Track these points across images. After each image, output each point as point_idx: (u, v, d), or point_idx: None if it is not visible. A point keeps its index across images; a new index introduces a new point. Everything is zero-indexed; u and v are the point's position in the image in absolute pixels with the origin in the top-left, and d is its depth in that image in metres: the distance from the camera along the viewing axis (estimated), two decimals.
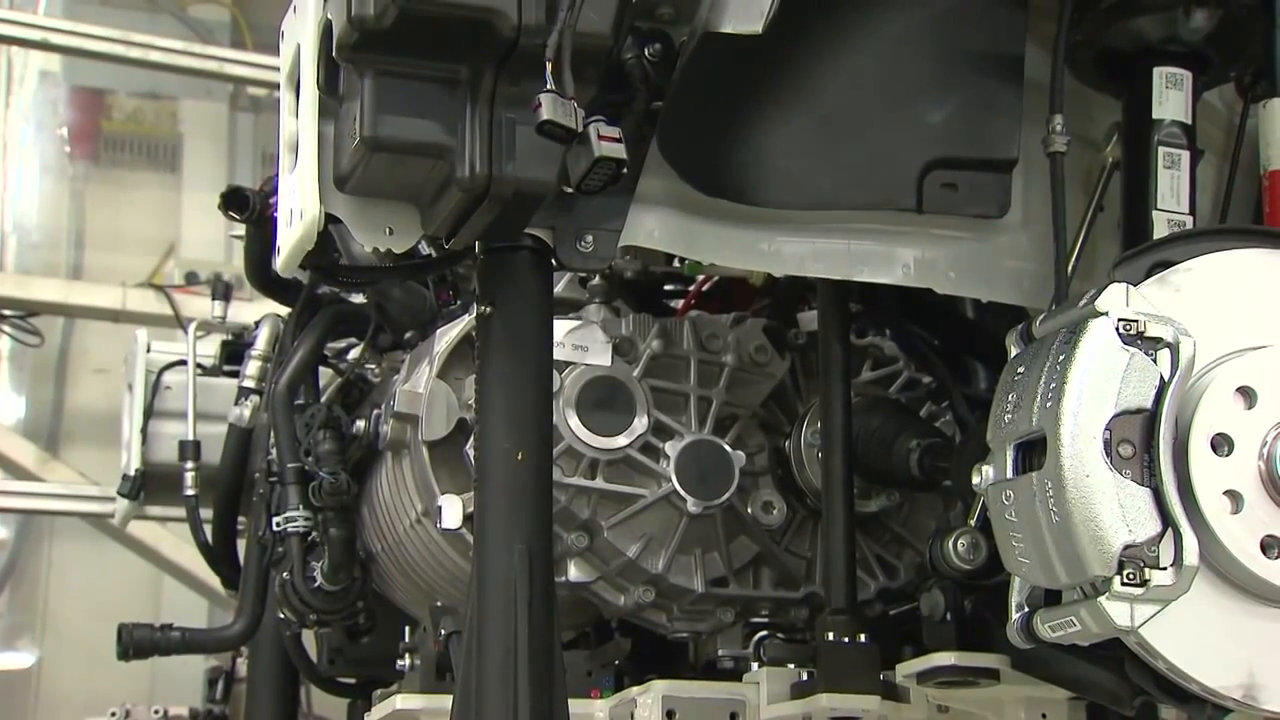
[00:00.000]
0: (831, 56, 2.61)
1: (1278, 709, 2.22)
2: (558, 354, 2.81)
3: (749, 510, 2.92)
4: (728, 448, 2.92)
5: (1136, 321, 2.20)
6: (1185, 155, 2.56)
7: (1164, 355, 2.20)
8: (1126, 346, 2.19)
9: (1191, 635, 2.18)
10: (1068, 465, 2.17)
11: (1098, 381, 2.18)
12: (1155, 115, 2.57)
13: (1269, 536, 2.19)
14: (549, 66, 2.23)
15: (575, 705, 2.68)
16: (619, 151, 2.24)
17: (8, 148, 9.23)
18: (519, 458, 2.43)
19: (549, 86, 2.22)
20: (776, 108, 2.58)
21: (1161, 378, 2.19)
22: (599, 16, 2.26)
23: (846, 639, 2.62)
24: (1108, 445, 2.17)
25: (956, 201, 2.64)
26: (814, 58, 2.58)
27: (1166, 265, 2.29)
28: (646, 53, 2.37)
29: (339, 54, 2.34)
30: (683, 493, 2.88)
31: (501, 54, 2.27)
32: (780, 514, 2.92)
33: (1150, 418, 2.18)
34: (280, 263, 2.59)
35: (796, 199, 2.59)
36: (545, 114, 2.19)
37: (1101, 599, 2.15)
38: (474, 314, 2.70)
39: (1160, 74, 2.58)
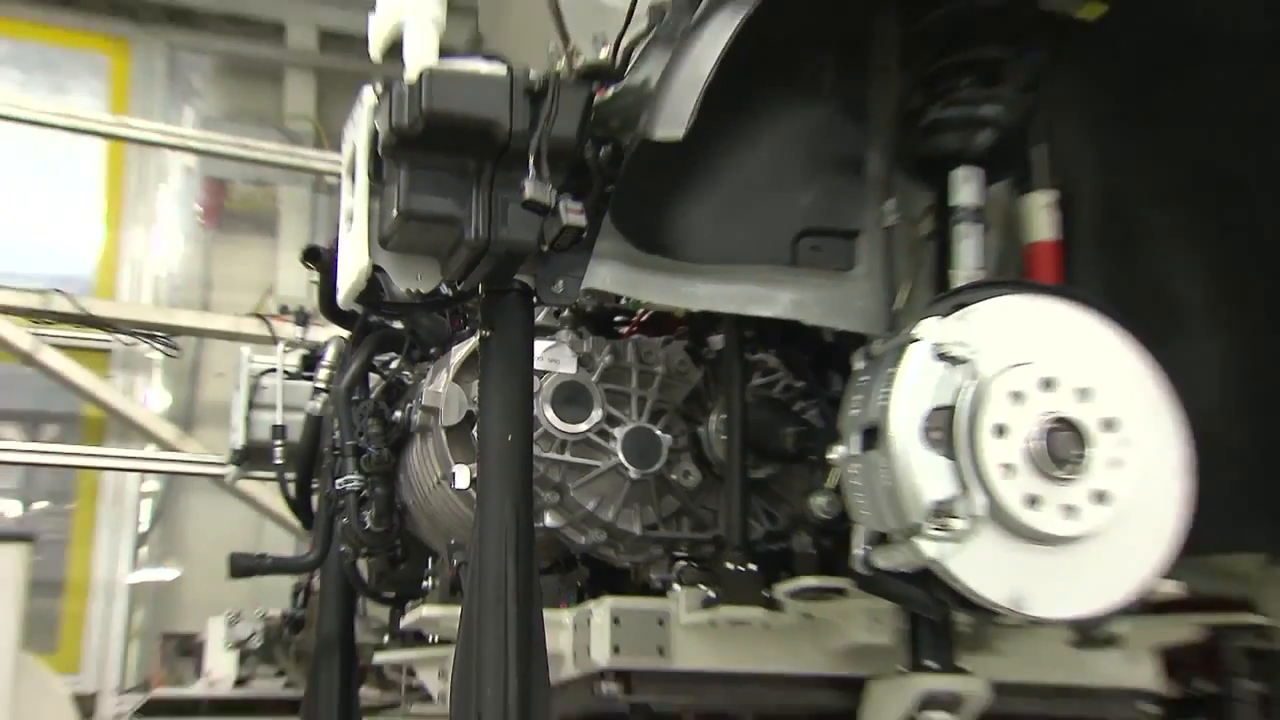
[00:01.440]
0: (734, 155, 2.62)
1: (1035, 614, 2.24)
2: (537, 365, 2.85)
3: (673, 477, 2.93)
4: (659, 432, 2.94)
5: (942, 345, 2.22)
6: (977, 230, 2.58)
7: (962, 369, 2.22)
8: (936, 362, 2.22)
9: (977, 564, 2.19)
10: (895, 446, 2.20)
11: (916, 387, 2.21)
12: (955, 202, 2.59)
13: (1031, 495, 2.21)
14: (531, 160, 2.25)
15: (548, 614, 2.67)
16: (580, 221, 2.28)
17: (158, 219, 9.18)
18: (509, 439, 2.44)
19: (531, 175, 2.25)
20: (695, 190, 2.59)
21: (959, 384, 2.22)
22: (567, 126, 2.29)
23: (740, 568, 2.63)
24: (923, 431, 2.20)
25: (819, 259, 2.65)
26: (721, 156, 2.60)
27: (963, 306, 2.31)
28: (601, 152, 2.39)
29: (383, 151, 2.36)
30: (626, 464, 2.89)
31: (498, 151, 2.29)
32: (695, 480, 2.92)
33: (952, 412, 2.21)
34: (341, 299, 2.61)
35: (708, 255, 2.59)
36: (528, 194, 2.23)
37: (917, 539, 2.17)
38: (478, 336, 2.71)
39: (958, 173, 2.61)
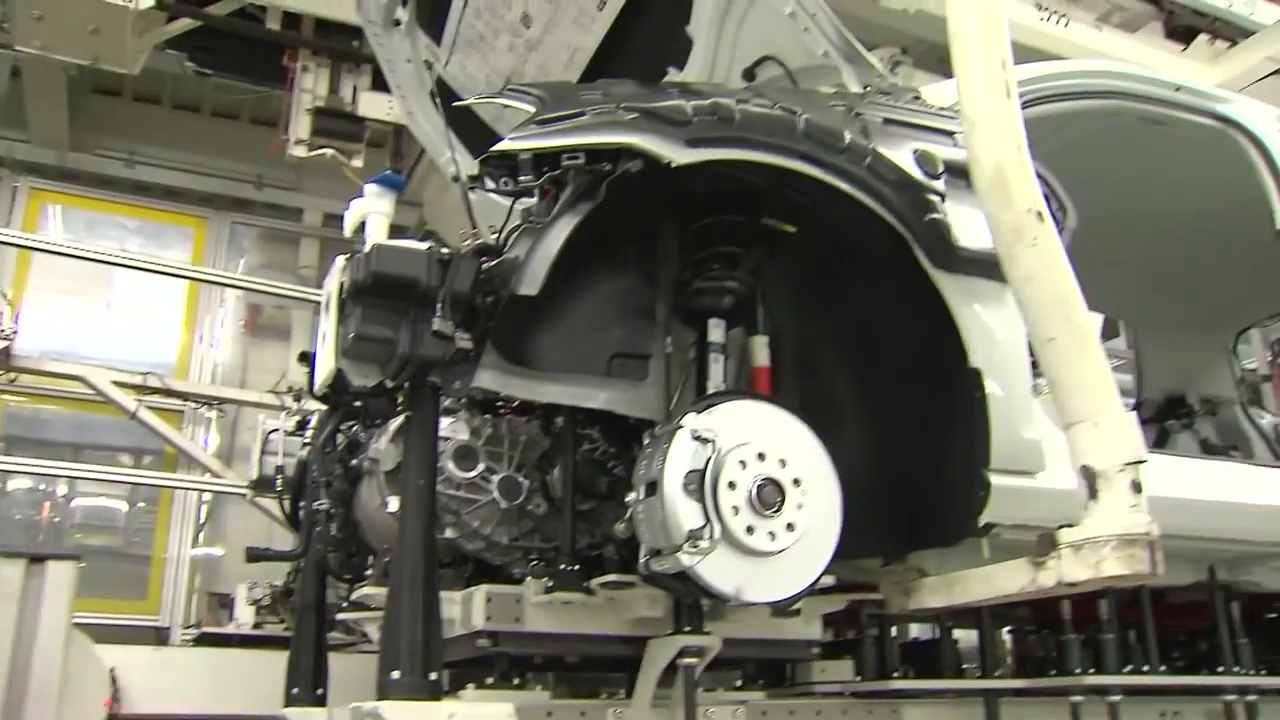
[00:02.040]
0: (572, 304, 2.60)
1: (749, 600, 2.23)
2: (443, 433, 2.76)
3: (530, 507, 2.84)
4: (520, 478, 2.85)
5: (697, 430, 2.21)
6: (721, 358, 2.58)
7: (708, 445, 2.21)
8: (691, 441, 2.21)
9: (715, 569, 2.18)
10: (665, 495, 2.18)
11: (679, 456, 2.20)
12: (709, 340, 2.58)
13: (749, 526, 2.20)
14: (439, 306, 2.21)
15: (446, 594, 2.63)
16: (469, 346, 2.24)
17: (217, 328, 9.02)
18: (421, 483, 2.38)
19: (438, 315, 2.20)
20: (547, 326, 2.56)
21: (707, 456, 2.21)
22: (463, 284, 2.25)
23: (569, 567, 2.59)
24: (683, 486, 2.18)
25: (625, 371, 2.64)
26: (560, 307, 2.58)
27: (711, 405, 2.31)
28: (486, 299, 2.35)
29: (346, 296, 2.30)
30: (499, 498, 2.80)
31: (419, 299, 2.24)
32: (543, 509, 2.85)
33: (702, 473, 2.20)
34: (316, 388, 2.53)
35: (554, 367, 2.57)
36: (435, 328, 2.18)
37: (678, 554, 2.15)
38: (404, 416, 2.63)
39: (711, 322, 2.61)
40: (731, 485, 2.21)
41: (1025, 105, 3.15)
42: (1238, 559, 3.20)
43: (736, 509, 2.20)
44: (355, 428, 3.46)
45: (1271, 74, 6.02)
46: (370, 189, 2.47)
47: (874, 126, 2.52)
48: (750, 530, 2.20)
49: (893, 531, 2.67)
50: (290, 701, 3.58)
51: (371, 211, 2.47)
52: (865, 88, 2.79)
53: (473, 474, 2.85)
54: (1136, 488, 2.12)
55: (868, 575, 2.83)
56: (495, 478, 2.86)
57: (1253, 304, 4.91)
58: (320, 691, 3.64)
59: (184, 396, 8.03)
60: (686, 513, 2.16)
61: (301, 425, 4.59)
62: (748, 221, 2.62)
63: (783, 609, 2.43)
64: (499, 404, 2.99)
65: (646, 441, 2.35)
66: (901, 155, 2.48)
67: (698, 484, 2.18)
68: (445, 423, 2.85)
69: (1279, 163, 3.65)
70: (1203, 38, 6.44)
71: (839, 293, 2.76)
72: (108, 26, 5.77)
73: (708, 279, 2.59)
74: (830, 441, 2.52)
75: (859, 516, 2.63)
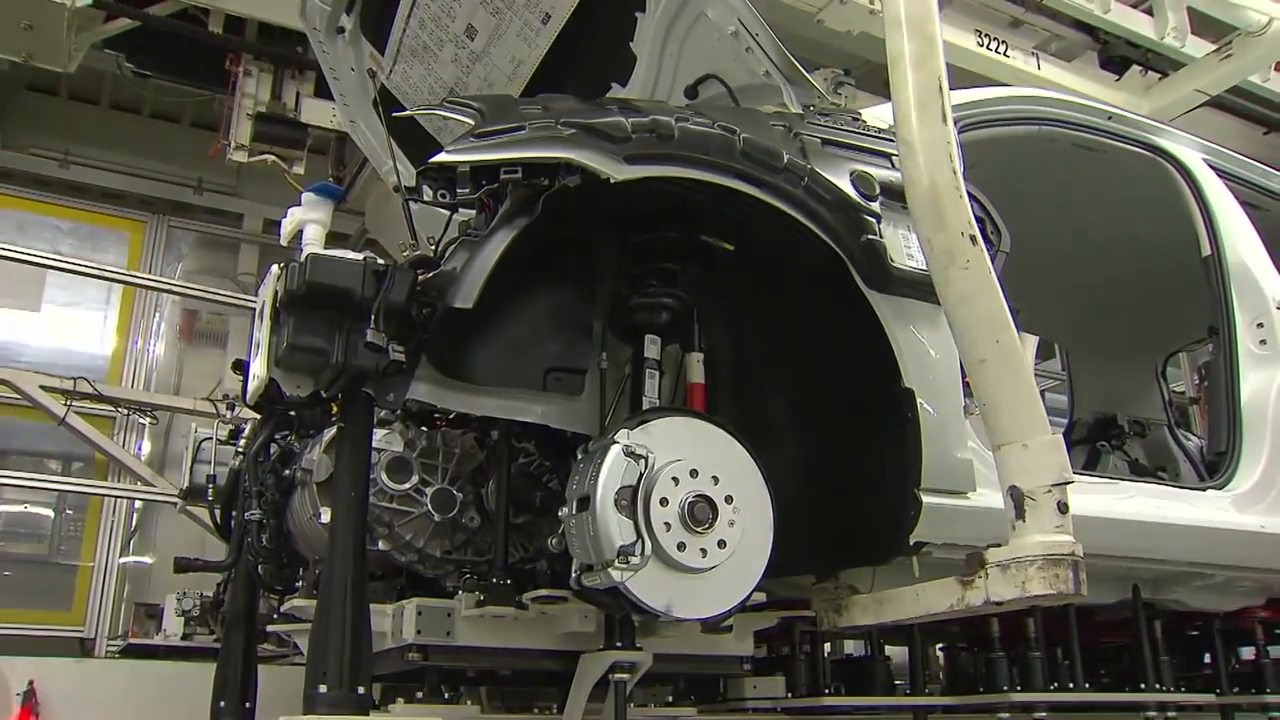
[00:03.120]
0: (509, 319, 2.59)
1: (679, 617, 2.22)
2: (377, 445, 2.71)
3: (464, 520, 2.80)
4: (454, 491, 2.81)
5: (630, 446, 2.21)
6: (656, 375, 2.58)
7: (643, 461, 2.21)
8: (625, 457, 2.20)
9: (645, 585, 2.17)
10: (598, 510, 2.17)
11: (612, 472, 2.19)
12: (645, 355, 2.58)
13: (680, 543, 2.20)
14: (372, 317, 2.18)
15: (377, 608, 2.59)
16: (401, 358, 2.21)
17: (152, 333, 8.84)
18: (353, 494, 2.34)
19: (371, 327, 2.18)
20: (483, 340, 2.55)
21: (640, 472, 2.20)
22: (399, 295, 2.22)
23: (501, 581, 2.57)
24: (614, 502, 2.18)
25: (560, 386, 2.63)
26: (497, 320, 2.56)
27: (645, 421, 2.30)
28: (422, 311, 2.32)
29: (280, 305, 2.26)
30: (432, 511, 2.76)
31: (353, 310, 2.21)
32: (477, 523, 2.81)
33: (634, 489, 2.19)
34: (249, 398, 2.49)
35: (490, 381, 2.56)
36: (368, 339, 2.15)
37: (609, 569, 2.14)
38: (337, 425, 2.59)
39: (647, 338, 2.60)
40: (664, 502, 2.20)
41: (962, 130, 3.23)
42: (1160, 578, 3.27)
43: (668, 525, 2.19)
44: (289, 437, 3.41)
45: (1200, 106, 6.19)
46: (308, 197, 2.45)
47: (812, 147, 2.54)
48: (681, 547, 2.20)
49: (825, 549, 2.69)
50: (216, 715, 3.50)
51: (308, 220, 2.45)
52: (807, 108, 2.81)
53: (406, 486, 2.80)
54: (1062, 508, 2.16)
55: (801, 592, 2.84)
56: (429, 490, 2.82)
57: (1181, 328, 5.03)
58: (248, 705, 3.57)
59: (115, 403, 7.86)
60: (618, 528, 2.15)
61: (235, 434, 4.52)
62: (686, 238, 2.63)
63: (714, 626, 2.42)
64: (435, 416, 2.96)
65: (580, 456, 2.34)
66: (839, 176, 2.51)
67: (630, 500, 2.18)
68: (380, 434, 2.81)
69: (1205, 192, 3.75)
70: (1135, 69, 6.60)
71: (776, 311, 2.77)
72: (42, 23, 5.65)
73: (644, 295, 2.58)
74: (765, 459, 2.53)
75: (792, 534, 2.63)
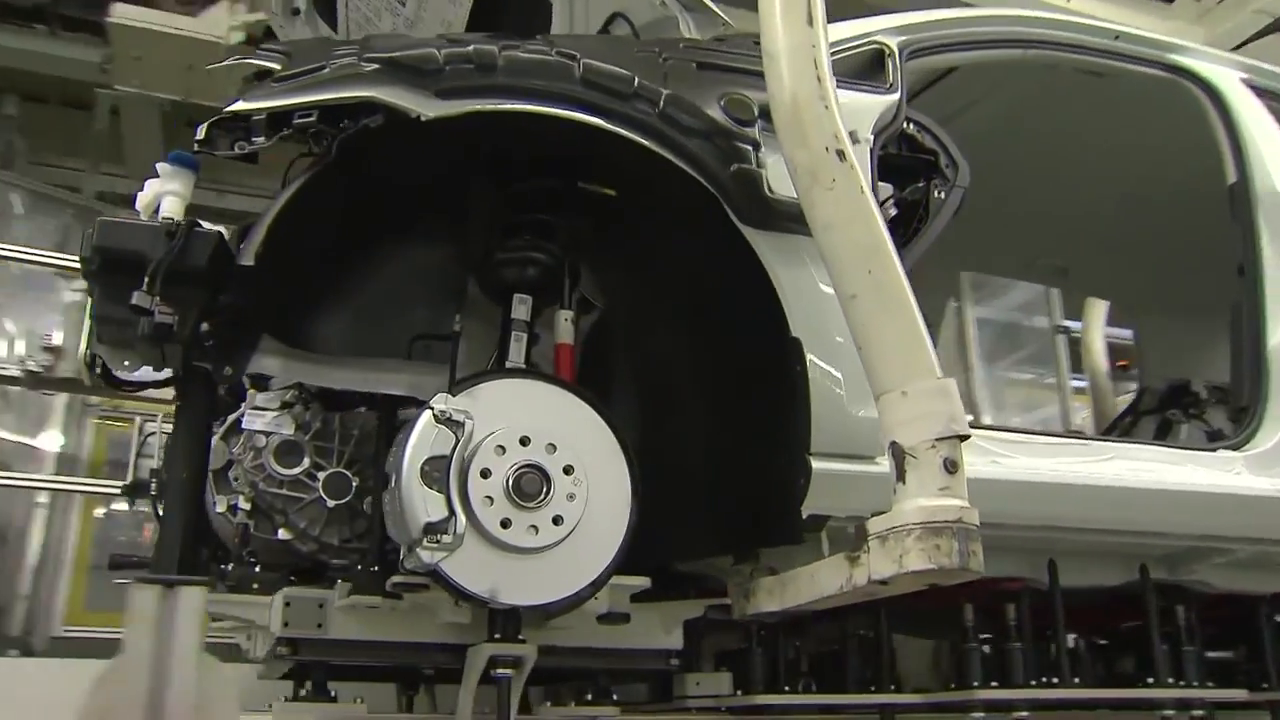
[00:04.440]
0: (365, 283, 2.39)
1: (507, 603, 1.98)
2: (266, 427, 2.53)
3: (363, 506, 2.58)
4: (350, 475, 2.60)
5: (445, 412, 1.96)
6: (525, 335, 2.30)
7: (458, 429, 1.96)
8: (436, 424, 1.95)
9: (465, 568, 1.94)
10: (401, 483, 1.93)
11: (419, 442, 1.97)
12: (513, 316, 2.32)
13: (505, 519, 1.94)
14: (146, 278, 1.97)
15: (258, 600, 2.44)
16: (168, 319, 1.98)
17: None
18: (184, 476, 2.17)
19: (141, 289, 1.97)
20: (332, 307, 2.38)
21: (455, 439, 1.95)
22: (193, 258, 2.02)
23: (371, 568, 2.33)
24: (425, 474, 1.93)
25: (429, 354, 2.41)
26: (354, 283, 2.36)
27: (469, 385, 2.06)
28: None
29: (84, 274, 2.10)
30: (326, 498, 2.55)
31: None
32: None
33: (447, 459, 1.94)
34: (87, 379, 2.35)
35: (347, 350, 2.37)
36: (134, 299, 1.95)
37: (418, 550, 1.91)
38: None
39: (517, 298, 2.34)
40: (485, 473, 1.96)
41: (935, 50, 2.86)
42: (1172, 556, 2.80)
43: (490, 499, 1.94)
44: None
45: (1262, 31, 5.46)
46: (164, 168, 2.26)
47: (682, 72, 2.24)
48: (506, 524, 1.95)
49: (738, 526, 2.37)
50: None
51: (165, 192, 2.26)
52: (718, 40, 2.52)
53: (296, 471, 2.61)
54: (949, 466, 1.81)
55: (722, 575, 2.53)
56: (322, 475, 2.63)
57: None
58: None
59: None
60: (423, 504, 1.92)
61: None
62: (562, 186, 2.36)
63: (555, 613, 2.14)
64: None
65: (399, 428, 2.10)
66: (710, 100, 2.19)
67: (443, 472, 1.93)
68: (270, 416, 2.64)
69: (1235, 113, 3.24)
70: None
71: (667, 262, 2.47)
72: (201, 62, 5.81)
73: (508, 250, 2.33)
74: (666, 427, 2.23)
75: (697, 509, 2.34)
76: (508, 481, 1.95)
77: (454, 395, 2.00)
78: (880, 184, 2.60)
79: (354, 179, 2.15)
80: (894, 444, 1.85)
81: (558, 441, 2.01)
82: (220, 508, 2.67)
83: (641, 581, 2.24)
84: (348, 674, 2.64)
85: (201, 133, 1.96)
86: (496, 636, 2.28)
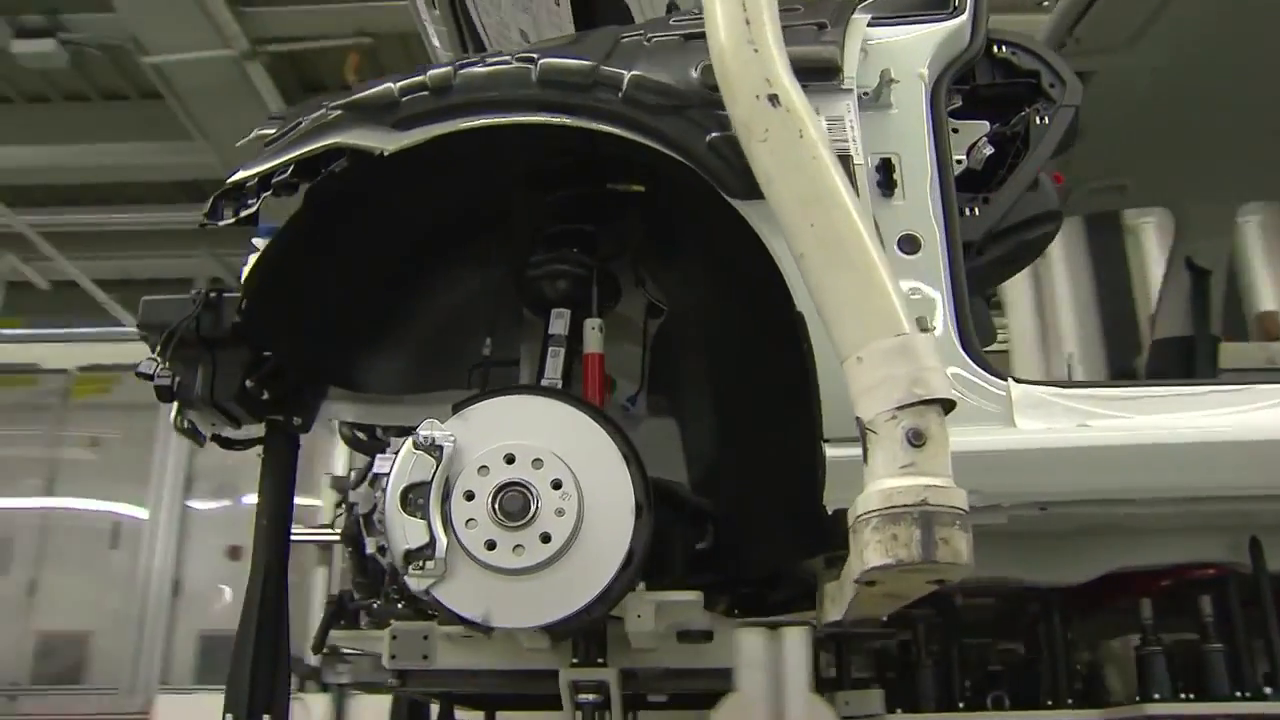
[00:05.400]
0: (406, 324, 2.45)
1: (502, 626, 1.91)
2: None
3: None
4: None
5: (428, 437, 1.94)
6: (561, 351, 2.24)
7: (438, 452, 1.93)
8: (414, 451, 1.94)
9: (457, 592, 1.91)
10: (386, 513, 1.94)
11: (400, 470, 1.95)
12: (550, 332, 2.27)
13: (490, 540, 1.89)
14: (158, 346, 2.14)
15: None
16: (167, 381, 2.14)
17: None
18: (264, 522, 2.34)
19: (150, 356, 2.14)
20: (387, 347, 2.43)
21: (435, 465, 1.92)
22: (205, 324, 2.17)
23: None
24: (401, 499, 1.93)
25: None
26: (396, 326, 2.42)
27: (464, 408, 2.01)
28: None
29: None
30: None
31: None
32: None
33: (428, 485, 1.92)
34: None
35: (406, 388, 2.44)
36: (140, 368, 2.11)
37: (406, 577, 1.91)
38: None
39: (554, 313, 2.29)
40: (469, 496, 1.91)
41: None
42: None
43: (473, 521, 1.90)
44: None
45: None
46: (257, 241, 2.48)
47: (666, 46, 2.09)
48: (491, 545, 1.89)
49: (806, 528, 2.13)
50: None
51: None
52: None
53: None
54: (914, 438, 1.52)
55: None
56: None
57: None
58: None
59: None
60: (402, 532, 1.91)
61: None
62: (592, 190, 2.29)
63: (560, 632, 2.03)
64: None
65: None
66: (688, 72, 2.02)
67: (425, 498, 1.91)
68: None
69: None
70: None
71: (708, 253, 2.30)
72: None
73: (534, 266, 2.29)
74: (741, 427, 2.07)
75: (785, 511, 2.14)
76: (490, 502, 1.90)
77: (452, 417, 1.98)
78: (969, 122, 2.29)
79: (391, 219, 2.22)
80: (858, 419, 1.59)
81: (545, 456, 1.92)
82: (370, 549, 2.84)
83: (690, 596, 2.08)
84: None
85: (207, 206, 2.11)
86: (575, 661, 2.23)
